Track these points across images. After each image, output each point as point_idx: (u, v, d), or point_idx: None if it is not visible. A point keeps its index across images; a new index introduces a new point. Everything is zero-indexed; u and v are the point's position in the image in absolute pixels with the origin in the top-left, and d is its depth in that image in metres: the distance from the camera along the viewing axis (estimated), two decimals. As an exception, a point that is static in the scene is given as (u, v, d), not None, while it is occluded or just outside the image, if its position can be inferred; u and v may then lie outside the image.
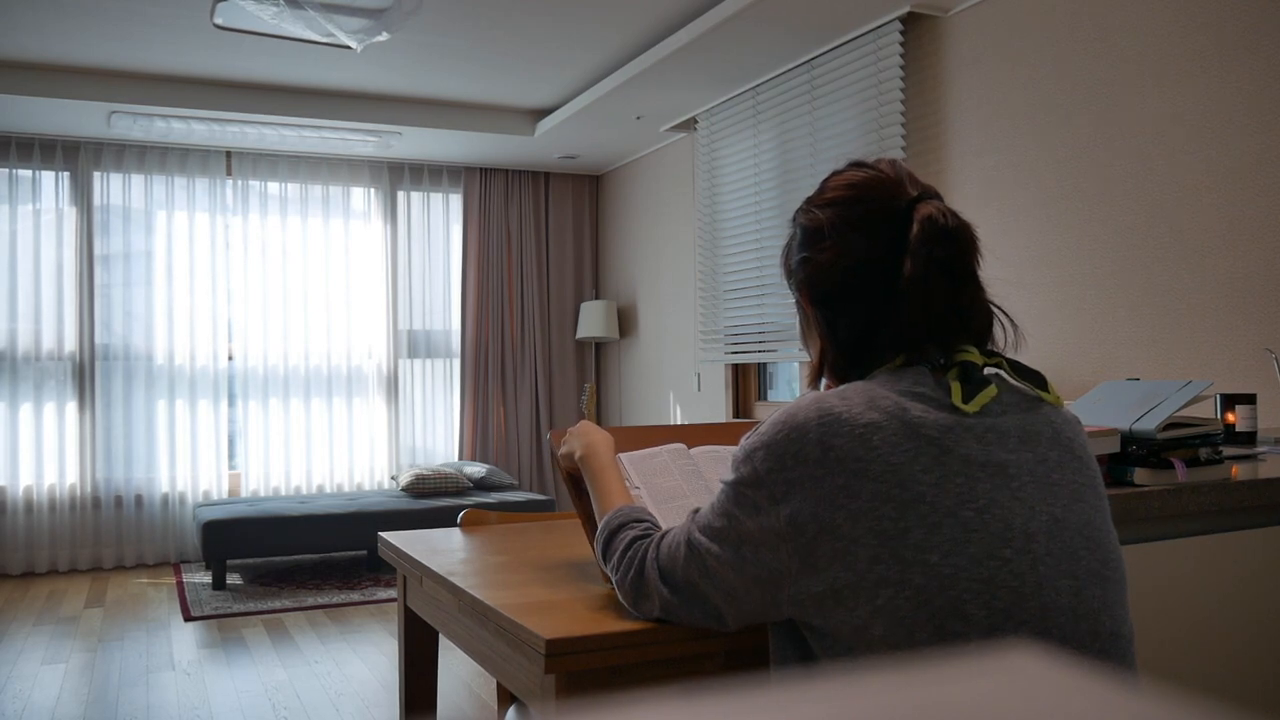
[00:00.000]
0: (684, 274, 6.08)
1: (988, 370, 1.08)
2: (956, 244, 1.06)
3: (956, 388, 1.03)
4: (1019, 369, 1.10)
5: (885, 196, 1.10)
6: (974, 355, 1.06)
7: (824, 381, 1.17)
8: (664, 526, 1.41)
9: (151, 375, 6.15)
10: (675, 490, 1.46)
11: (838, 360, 1.13)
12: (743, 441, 1.05)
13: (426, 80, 5.41)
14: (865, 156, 1.18)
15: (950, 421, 1.00)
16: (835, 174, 1.16)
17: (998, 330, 1.10)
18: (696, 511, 1.11)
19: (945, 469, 0.98)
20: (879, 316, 1.08)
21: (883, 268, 1.07)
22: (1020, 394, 1.08)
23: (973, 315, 1.08)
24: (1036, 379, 1.10)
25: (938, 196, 1.11)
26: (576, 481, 1.44)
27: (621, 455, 1.50)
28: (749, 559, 1.02)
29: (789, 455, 1.00)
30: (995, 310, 1.10)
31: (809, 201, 1.16)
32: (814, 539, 0.98)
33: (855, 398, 1.02)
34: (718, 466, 1.52)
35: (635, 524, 1.20)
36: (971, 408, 1.01)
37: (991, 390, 1.04)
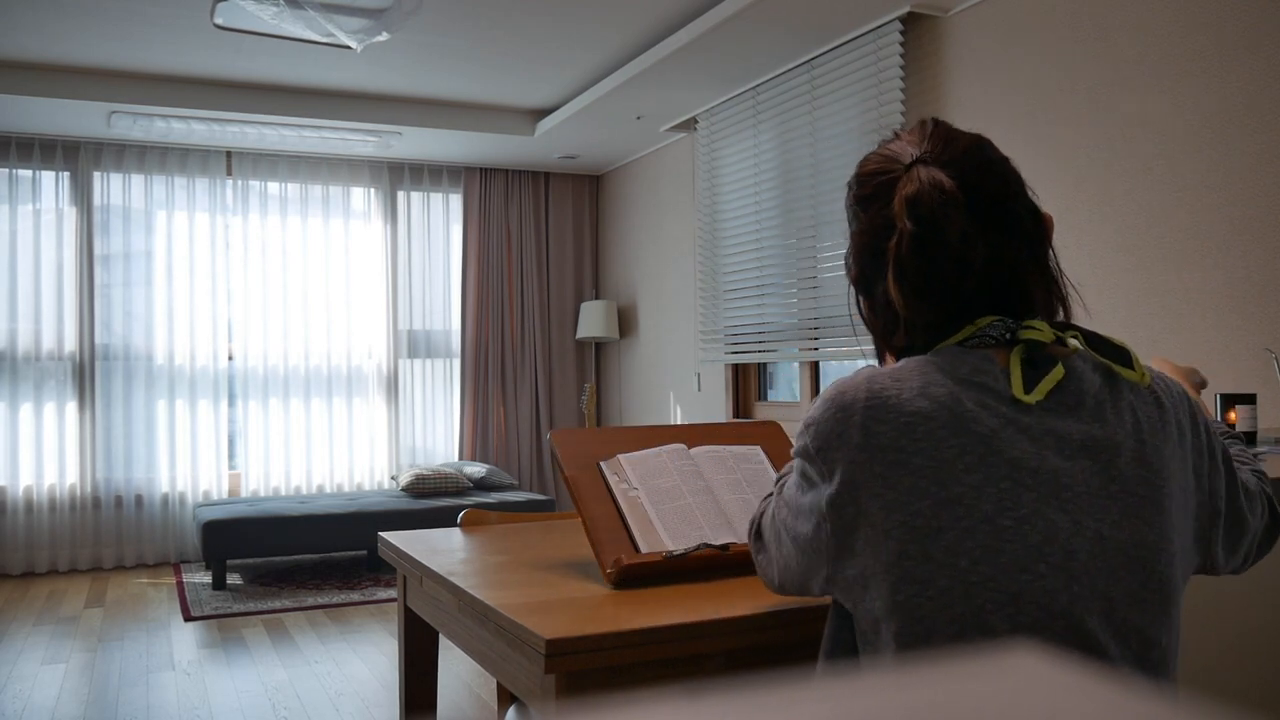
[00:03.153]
0: (684, 274, 6.08)
1: (1070, 344, 1.01)
2: (925, 209, 1.00)
3: (1017, 374, 0.96)
4: (1098, 343, 1.01)
5: (884, 169, 1.06)
6: (1042, 331, 0.99)
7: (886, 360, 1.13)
8: (660, 527, 1.42)
9: (151, 375, 6.15)
10: (674, 491, 1.47)
11: (879, 341, 1.10)
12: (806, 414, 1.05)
13: (426, 80, 5.41)
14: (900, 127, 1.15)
15: (1006, 418, 0.95)
16: (864, 158, 1.12)
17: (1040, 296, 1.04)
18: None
19: (990, 470, 0.93)
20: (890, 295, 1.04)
21: (885, 238, 1.03)
22: (1098, 378, 1.00)
23: (980, 268, 1.00)
24: (1119, 354, 1.01)
25: (941, 159, 1.03)
26: (578, 485, 1.44)
27: (621, 456, 1.51)
28: (800, 528, 1.02)
29: (833, 435, 0.97)
30: (1050, 265, 1.04)
31: (850, 185, 1.12)
32: (851, 523, 0.95)
33: (910, 380, 0.97)
34: (718, 467, 1.53)
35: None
36: (1032, 398, 0.95)
37: (1057, 374, 0.97)
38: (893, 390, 0.96)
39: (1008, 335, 1.00)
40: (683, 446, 1.55)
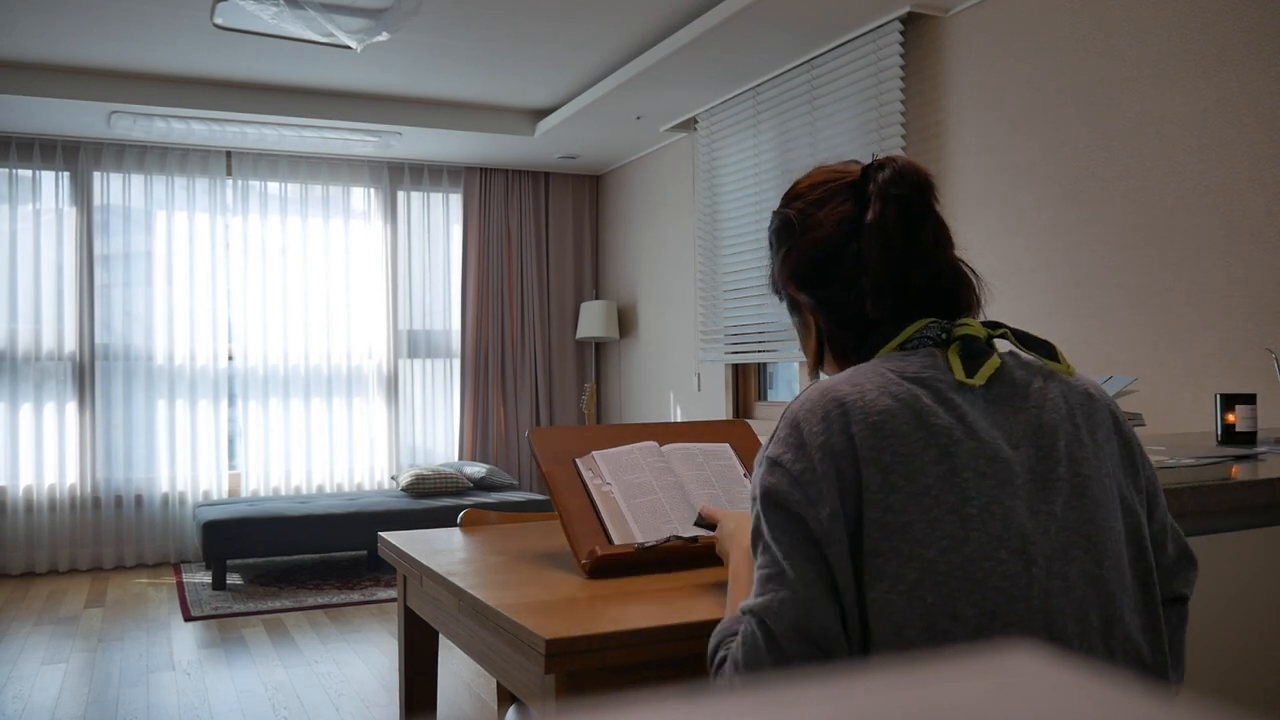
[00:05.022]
0: (684, 274, 6.08)
1: (995, 341, 1.07)
2: (909, 182, 1.08)
3: (957, 363, 1.02)
4: (1026, 340, 1.09)
5: (842, 173, 1.14)
6: (975, 328, 1.06)
7: (822, 373, 1.17)
8: (631, 520, 1.47)
9: (151, 375, 6.15)
10: (645, 486, 1.55)
11: (840, 338, 1.12)
12: (761, 453, 1.02)
13: (426, 80, 5.41)
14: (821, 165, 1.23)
15: (961, 411, 0.99)
16: (794, 184, 1.19)
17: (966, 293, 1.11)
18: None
19: (953, 461, 0.96)
20: (861, 279, 1.08)
21: (852, 230, 1.09)
22: (1029, 370, 1.06)
23: (936, 256, 1.08)
24: (1045, 349, 1.08)
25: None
26: (555, 479, 1.49)
27: (595, 453, 1.57)
28: (809, 579, 0.94)
29: (807, 450, 0.99)
30: (964, 267, 1.11)
31: (775, 211, 1.19)
32: (828, 528, 0.96)
33: (867, 383, 1.00)
34: (688, 463, 1.60)
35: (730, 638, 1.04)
36: (976, 380, 1.01)
37: (995, 361, 1.03)
38: (854, 394, 0.99)
39: (943, 335, 1.06)
40: (655, 444, 1.61)
